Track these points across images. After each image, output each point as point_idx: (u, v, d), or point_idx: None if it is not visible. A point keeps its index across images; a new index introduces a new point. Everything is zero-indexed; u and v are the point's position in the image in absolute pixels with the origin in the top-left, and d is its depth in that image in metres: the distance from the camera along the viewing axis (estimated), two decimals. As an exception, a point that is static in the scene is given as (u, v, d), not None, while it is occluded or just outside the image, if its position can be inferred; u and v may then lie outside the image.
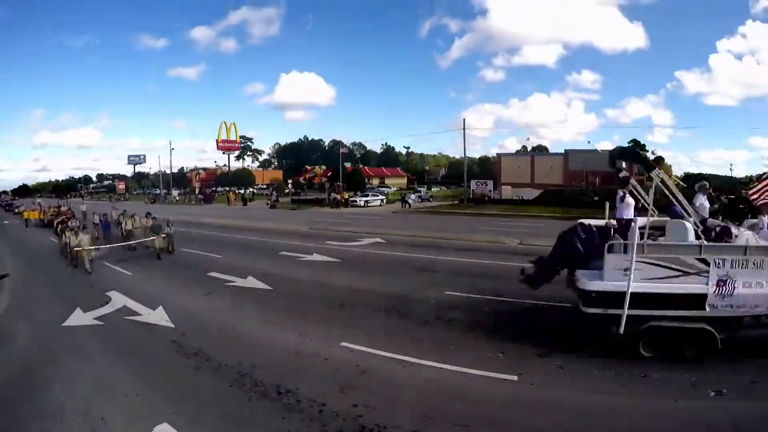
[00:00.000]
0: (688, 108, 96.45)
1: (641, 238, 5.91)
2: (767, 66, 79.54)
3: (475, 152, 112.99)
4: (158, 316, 8.50)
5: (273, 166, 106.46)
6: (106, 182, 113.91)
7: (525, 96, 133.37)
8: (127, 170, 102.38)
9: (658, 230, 6.76)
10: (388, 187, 68.73)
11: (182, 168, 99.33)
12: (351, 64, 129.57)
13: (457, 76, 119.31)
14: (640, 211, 7.35)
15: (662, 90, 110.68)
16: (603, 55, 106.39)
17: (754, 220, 7.23)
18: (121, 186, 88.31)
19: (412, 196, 42.15)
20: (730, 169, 72.62)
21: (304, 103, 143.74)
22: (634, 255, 5.73)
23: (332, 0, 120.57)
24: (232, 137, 67.58)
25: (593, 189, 36.48)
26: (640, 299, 5.79)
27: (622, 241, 6.20)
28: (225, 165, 75.51)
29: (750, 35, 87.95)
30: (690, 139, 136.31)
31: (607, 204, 8.47)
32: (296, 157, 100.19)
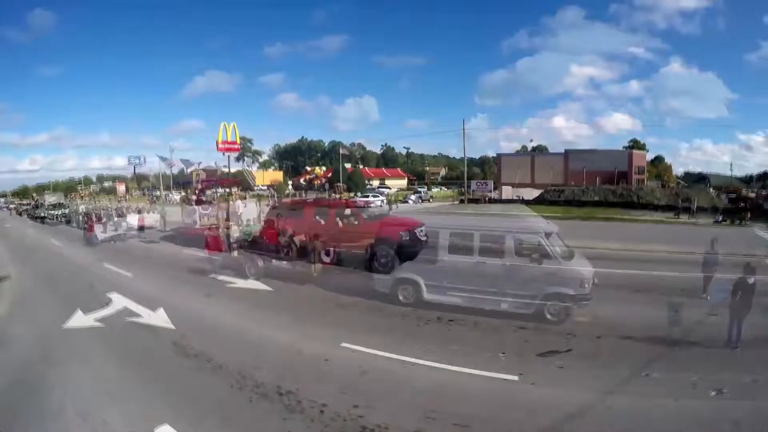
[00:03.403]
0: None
1: None
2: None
3: (476, 153, 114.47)
4: (159, 318, 8.50)
5: (273, 167, 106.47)
6: (106, 183, 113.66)
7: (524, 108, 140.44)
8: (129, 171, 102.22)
9: None
10: (388, 187, 68.72)
11: (182, 169, 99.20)
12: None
13: (462, 82, 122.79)
14: None
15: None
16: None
17: None
18: (122, 187, 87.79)
19: (412, 197, 42.16)
20: (730, 169, 72.41)
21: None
22: None
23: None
24: (233, 138, 67.52)
25: (593, 189, 36.47)
26: None
27: None
28: (225, 166, 75.49)
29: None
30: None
31: None
32: (296, 158, 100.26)
